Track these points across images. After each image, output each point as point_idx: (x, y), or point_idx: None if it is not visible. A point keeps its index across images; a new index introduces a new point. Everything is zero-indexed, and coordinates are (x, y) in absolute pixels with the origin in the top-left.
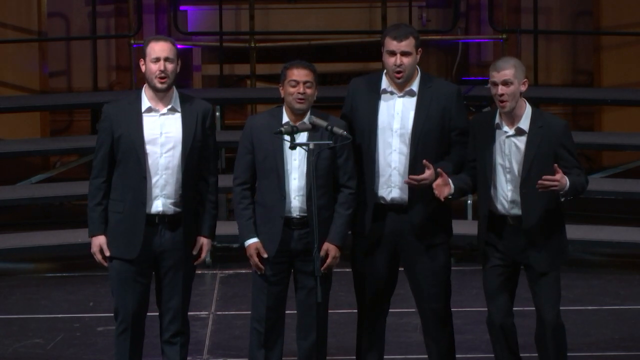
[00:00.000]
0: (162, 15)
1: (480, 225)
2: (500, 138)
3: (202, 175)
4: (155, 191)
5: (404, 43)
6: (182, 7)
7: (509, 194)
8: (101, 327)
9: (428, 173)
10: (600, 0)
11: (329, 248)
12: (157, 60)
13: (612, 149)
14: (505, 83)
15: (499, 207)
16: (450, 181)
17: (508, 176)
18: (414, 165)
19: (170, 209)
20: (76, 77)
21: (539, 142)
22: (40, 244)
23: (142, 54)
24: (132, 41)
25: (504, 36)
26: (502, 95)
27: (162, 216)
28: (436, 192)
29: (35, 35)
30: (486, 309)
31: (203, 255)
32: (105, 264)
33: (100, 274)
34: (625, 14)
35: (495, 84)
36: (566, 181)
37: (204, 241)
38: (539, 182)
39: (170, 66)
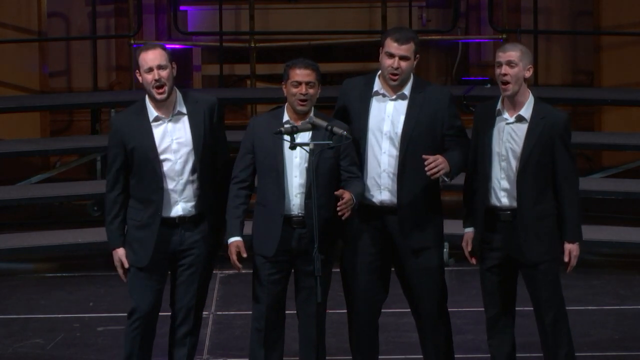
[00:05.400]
0: (162, 15)
1: (477, 220)
2: (499, 125)
3: (218, 169)
4: (174, 197)
5: (404, 47)
6: (182, 7)
7: (502, 183)
8: (101, 327)
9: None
10: (600, 0)
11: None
12: (150, 70)
13: (612, 149)
14: (510, 63)
15: (492, 198)
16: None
17: (503, 164)
18: (403, 168)
19: (191, 212)
20: (76, 77)
21: (540, 132)
22: (40, 244)
23: (137, 65)
24: (132, 41)
25: (504, 36)
26: (505, 75)
27: (182, 218)
28: (430, 170)
29: (35, 35)
30: None
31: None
32: (125, 280)
33: (100, 274)
34: (625, 14)
35: (500, 64)
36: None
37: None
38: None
39: (164, 73)
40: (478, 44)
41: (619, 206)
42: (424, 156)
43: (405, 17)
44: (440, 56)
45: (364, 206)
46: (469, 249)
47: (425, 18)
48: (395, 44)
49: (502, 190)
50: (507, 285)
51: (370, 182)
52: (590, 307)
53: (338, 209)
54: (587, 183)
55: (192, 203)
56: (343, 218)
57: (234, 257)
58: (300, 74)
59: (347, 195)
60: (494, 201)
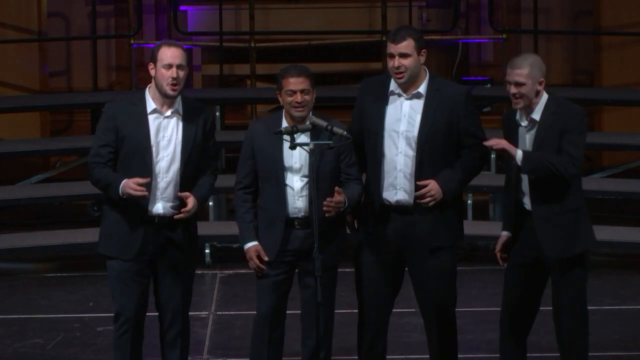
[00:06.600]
0: (162, 15)
1: (508, 222)
2: (521, 132)
3: (201, 176)
4: (156, 194)
5: (401, 45)
6: (182, 7)
7: (528, 185)
8: (101, 327)
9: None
10: (600, 0)
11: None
12: (170, 67)
13: (612, 149)
14: (518, 84)
15: (524, 200)
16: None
17: None
18: (420, 168)
19: (170, 212)
20: (76, 77)
21: (548, 127)
22: (40, 244)
23: (153, 58)
24: (132, 41)
25: (504, 36)
26: (514, 94)
27: (162, 217)
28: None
29: (35, 35)
30: (486, 308)
31: (188, 206)
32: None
33: (100, 274)
34: (625, 14)
35: (509, 84)
36: (438, 188)
37: (189, 196)
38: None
39: (182, 73)
40: (478, 44)
41: (619, 206)
42: (418, 182)
43: (405, 17)
44: (440, 56)
45: (380, 206)
46: (498, 250)
47: (425, 18)
48: (392, 45)
49: (529, 194)
50: (528, 287)
51: (386, 182)
52: (590, 307)
53: (325, 204)
54: (587, 183)
55: (172, 204)
56: (326, 215)
57: (255, 262)
58: (294, 82)
59: (339, 197)
60: (525, 204)
